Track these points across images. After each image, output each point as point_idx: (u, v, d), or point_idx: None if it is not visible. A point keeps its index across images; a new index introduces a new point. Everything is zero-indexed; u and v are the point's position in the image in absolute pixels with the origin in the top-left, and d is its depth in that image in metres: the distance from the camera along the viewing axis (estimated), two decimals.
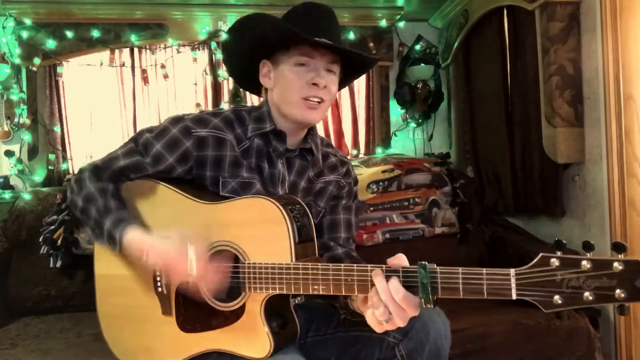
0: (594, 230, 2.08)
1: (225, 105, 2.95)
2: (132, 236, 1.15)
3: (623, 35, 1.91)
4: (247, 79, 1.33)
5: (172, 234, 1.11)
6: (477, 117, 2.85)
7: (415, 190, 2.57)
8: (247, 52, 1.27)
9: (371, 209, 2.49)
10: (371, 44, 3.01)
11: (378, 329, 0.99)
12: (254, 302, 1.08)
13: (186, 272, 1.07)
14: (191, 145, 1.20)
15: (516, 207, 2.54)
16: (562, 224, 2.27)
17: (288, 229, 1.06)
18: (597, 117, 2.05)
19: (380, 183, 2.54)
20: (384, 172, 2.57)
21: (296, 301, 1.30)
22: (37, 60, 2.69)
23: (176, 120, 1.24)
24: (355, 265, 1.00)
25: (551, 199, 2.27)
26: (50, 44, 2.72)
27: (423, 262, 0.93)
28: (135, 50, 2.92)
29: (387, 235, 2.47)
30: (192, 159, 1.21)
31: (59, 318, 2.13)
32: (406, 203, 2.54)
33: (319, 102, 1.20)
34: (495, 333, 1.81)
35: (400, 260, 0.97)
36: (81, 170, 1.28)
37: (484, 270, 0.90)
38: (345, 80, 1.36)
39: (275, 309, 1.10)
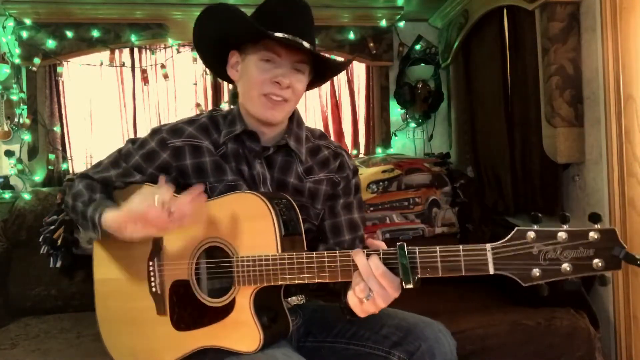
0: None
1: (225, 106, 2.95)
2: (108, 216, 1.13)
3: (623, 35, 1.91)
4: (221, 70, 1.29)
5: (134, 196, 1.08)
6: (477, 117, 2.85)
7: (415, 190, 2.57)
8: (215, 41, 1.24)
9: (371, 209, 2.49)
10: (371, 44, 3.01)
11: (360, 310, 1.00)
12: (244, 296, 1.09)
13: (162, 215, 1.01)
14: (168, 157, 1.21)
15: (516, 207, 2.54)
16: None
17: (274, 222, 1.07)
18: (597, 117, 2.04)
19: (380, 183, 2.54)
20: (384, 172, 2.57)
21: (296, 301, 1.31)
22: (37, 60, 2.69)
23: (154, 131, 1.25)
24: (337, 251, 1.02)
25: (551, 199, 2.27)
26: (50, 44, 2.72)
27: (401, 243, 0.95)
28: (135, 50, 2.92)
29: (387, 235, 2.47)
30: (173, 169, 1.22)
31: (59, 318, 2.13)
32: (406, 203, 2.54)
33: (281, 100, 1.18)
34: (495, 334, 1.81)
35: (379, 243, 1.00)
36: (73, 178, 1.32)
37: (461, 247, 0.92)
38: (316, 81, 1.32)
39: (265, 303, 1.10)
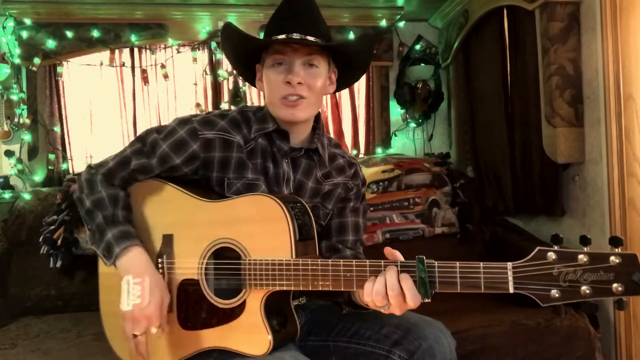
0: (594, 230, 2.08)
1: (225, 105, 2.95)
2: (129, 258, 1.14)
3: (623, 35, 1.91)
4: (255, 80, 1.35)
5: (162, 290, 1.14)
6: (477, 117, 2.85)
7: (415, 190, 2.57)
8: (239, 62, 1.31)
9: (371, 209, 2.49)
10: None
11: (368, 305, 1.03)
12: (254, 299, 1.08)
13: (148, 324, 1.11)
14: (198, 147, 1.21)
15: (516, 207, 2.54)
16: (562, 224, 2.27)
17: (289, 226, 1.06)
18: (597, 117, 2.04)
19: (380, 183, 2.54)
20: (384, 172, 2.57)
21: (297, 302, 1.31)
22: (37, 60, 2.69)
23: (184, 122, 1.24)
24: (354, 260, 1.01)
25: (551, 199, 2.27)
26: (50, 44, 2.72)
27: (421, 256, 0.94)
28: (135, 50, 2.92)
29: (387, 235, 2.47)
30: (199, 160, 1.22)
31: (59, 318, 2.12)
32: (406, 203, 2.54)
33: (300, 98, 1.20)
34: (495, 333, 1.81)
35: (396, 253, 0.99)
36: (92, 171, 1.24)
37: (481, 264, 0.90)
38: (350, 70, 1.32)
39: (276, 307, 1.10)
